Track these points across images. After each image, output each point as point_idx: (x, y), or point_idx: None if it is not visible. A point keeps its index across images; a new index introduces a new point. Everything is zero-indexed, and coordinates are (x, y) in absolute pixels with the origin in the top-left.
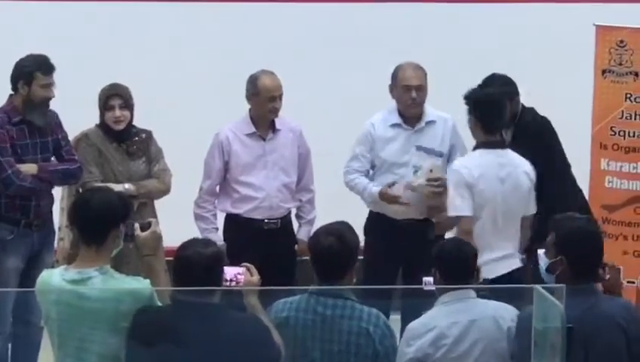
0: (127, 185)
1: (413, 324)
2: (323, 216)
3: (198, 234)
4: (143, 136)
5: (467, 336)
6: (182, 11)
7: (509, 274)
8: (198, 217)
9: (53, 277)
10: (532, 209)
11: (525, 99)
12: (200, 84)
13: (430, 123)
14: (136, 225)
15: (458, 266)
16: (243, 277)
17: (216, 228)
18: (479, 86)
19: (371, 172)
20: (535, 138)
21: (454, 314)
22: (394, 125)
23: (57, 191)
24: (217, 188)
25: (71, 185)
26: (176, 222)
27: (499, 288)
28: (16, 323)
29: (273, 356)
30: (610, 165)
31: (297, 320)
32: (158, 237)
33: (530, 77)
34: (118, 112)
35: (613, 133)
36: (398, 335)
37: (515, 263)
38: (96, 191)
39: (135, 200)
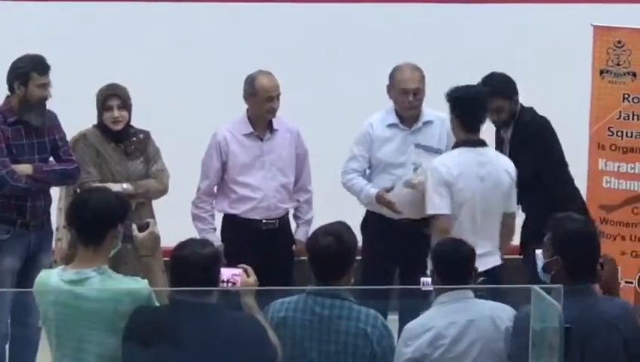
0: (125, 185)
1: (411, 324)
2: (320, 216)
3: (195, 235)
4: (141, 136)
5: (465, 336)
6: (180, 12)
7: (487, 271)
8: (195, 217)
9: (51, 278)
10: (513, 206)
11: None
12: (198, 84)
13: (427, 123)
14: (134, 226)
15: (456, 266)
16: (240, 278)
17: (214, 229)
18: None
19: (368, 171)
20: (534, 137)
21: (452, 315)
22: (391, 125)
23: (55, 192)
24: (215, 188)
25: (69, 185)
26: (174, 222)
27: (497, 288)
28: (13, 324)
29: (270, 356)
30: (607, 165)
31: (295, 321)
32: (156, 238)
33: (528, 77)
34: (116, 113)
35: (610, 134)
36: (395, 335)
37: (495, 261)
38: (94, 192)
39: (133, 200)
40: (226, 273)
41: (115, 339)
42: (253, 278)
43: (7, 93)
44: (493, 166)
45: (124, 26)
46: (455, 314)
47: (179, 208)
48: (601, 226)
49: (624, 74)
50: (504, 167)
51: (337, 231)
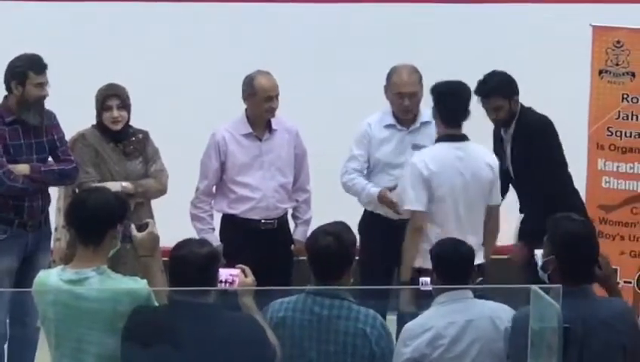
0: (124, 183)
1: (410, 324)
2: (319, 216)
3: (194, 235)
4: (140, 136)
5: (464, 337)
6: (179, 12)
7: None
8: (194, 218)
9: (51, 278)
10: (495, 199)
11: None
12: (197, 84)
13: (425, 123)
14: (133, 226)
15: (456, 266)
16: (237, 278)
17: (213, 229)
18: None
19: (365, 172)
20: (537, 137)
21: (451, 315)
22: (388, 126)
23: (54, 192)
24: (214, 188)
25: (67, 185)
26: (172, 222)
27: (496, 288)
28: (12, 324)
29: (269, 356)
30: (607, 165)
31: (294, 321)
32: (155, 238)
33: (527, 77)
34: (115, 113)
35: (610, 134)
36: (393, 335)
37: (478, 259)
38: (92, 192)
39: (132, 200)
40: (223, 273)
41: (114, 339)
42: (251, 278)
43: (5, 93)
44: (473, 159)
45: (124, 26)
46: (454, 314)
47: (178, 208)
48: (600, 226)
49: (623, 74)
50: (485, 160)
51: (337, 230)
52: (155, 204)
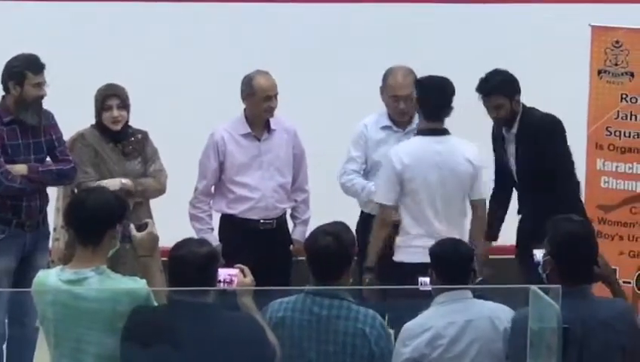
0: (124, 180)
1: (410, 324)
2: (318, 216)
3: (193, 235)
4: (139, 136)
5: (463, 337)
6: (178, 12)
7: None
8: (193, 218)
9: (50, 278)
10: (477, 194)
11: None
12: (196, 84)
13: None
14: (132, 226)
15: (455, 266)
16: (236, 278)
17: (212, 229)
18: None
19: (362, 173)
20: (542, 136)
21: (450, 315)
22: (385, 127)
23: (53, 192)
24: (212, 188)
25: (65, 185)
26: (172, 222)
27: (495, 288)
28: (11, 324)
29: (269, 355)
30: (606, 165)
31: (293, 321)
32: (154, 238)
33: (526, 77)
34: (115, 112)
35: (608, 134)
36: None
37: None
38: (91, 192)
39: (131, 199)
40: (222, 273)
41: (113, 339)
42: (249, 278)
43: (2, 92)
44: (451, 154)
45: (124, 26)
46: (454, 314)
47: (177, 208)
48: (599, 226)
49: (622, 74)
50: (464, 155)
51: (336, 230)
52: (155, 204)
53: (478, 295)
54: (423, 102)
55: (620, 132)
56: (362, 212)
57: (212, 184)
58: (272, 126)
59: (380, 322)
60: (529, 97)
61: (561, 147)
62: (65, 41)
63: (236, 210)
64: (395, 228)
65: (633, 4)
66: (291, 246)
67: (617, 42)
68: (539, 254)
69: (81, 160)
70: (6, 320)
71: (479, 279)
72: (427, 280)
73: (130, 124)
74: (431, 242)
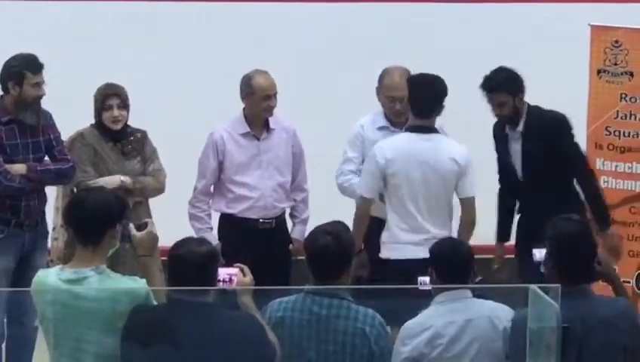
0: (123, 178)
1: (409, 323)
2: (317, 216)
3: (193, 234)
4: (138, 135)
5: (463, 336)
6: (177, 12)
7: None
8: (192, 217)
9: (49, 277)
10: (463, 193)
11: None
12: (195, 83)
13: None
14: (132, 225)
15: (455, 266)
16: (236, 277)
17: (211, 228)
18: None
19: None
20: (549, 134)
21: (450, 314)
22: (381, 128)
23: (52, 191)
24: (212, 188)
25: (64, 184)
26: (171, 222)
27: (495, 287)
28: (10, 324)
29: (269, 354)
30: (605, 165)
31: (293, 320)
32: (154, 238)
33: (526, 76)
34: (116, 112)
35: (608, 133)
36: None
37: None
38: (91, 191)
39: (130, 198)
40: (222, 272)
41: (112, 339)
42: (249, 277)
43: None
44: (435, 152)
45: (124, 25)
46: (453, 314)
47: (176, 208)
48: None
49: (621, 73)
50: (449, 154)
51: (336, 230)
52: (154, 203)
53: (478, 294)
54: (414, 100)
55: (619, 131)
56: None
57: (211, 183)
58: (272, 125)
59: (379, 321)
60: (529, 97)
61: (572, 140)
62: (65, 40)
63: (235, 209)
64: (381, 224)
65: (633, 4)
66: (290, 245)
67: (617, 42)
68: (538, 254)
69: (80, 159)
70: (5, 320)
71: (479, 278)
72: (427, 279)
73: (129, 123)
74: (416, 238)
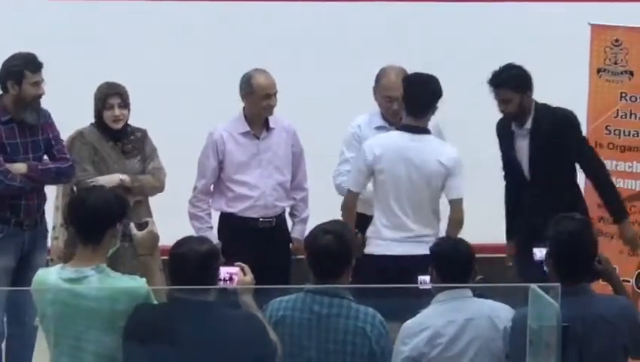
0: (122, 176)
1: (409, 323)
2: (316, 216)
3: (193, 234)
4: (138, 134)
5: (463, 335)
6: (176, 11)
7: (416, 256)
8: (192, 216)
9: (50, 276)
10: (450, 194)
11: None
12: (194, 83)
13: None
14: (132, 225)
15: (456, 266)
16: (237, 276)
17: (211, 227)
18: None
19: None
20: (559, 131)
21: (450, 313)
22: (379, 128)
23: (52, 190)
24: (211, 187)
25: (63, 183)
26: (171, 221)
27: (495, 287)
28: (10, 323)
29: (269, 353)
30: (605, 164)
31: (293, 319)
32: (155, 237)
33: None
34: (117, 111)
35: (608, 132)
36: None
37: (423, 248)
38: (92, 191)
39: (131, 197)
40: (222, 271)
41: (112, 338)
42: (250, 276)
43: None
44: (423, 153)
45: (124, 25)
46: (453, 313)
47: (177, 207)
48: (599, 225)
49: (621, 72)
50: (436, 156)
51: (336, 229)
52: (154, 203)
53: (478, 294)
54: (408, 99)
55: (619, 131)
56: (368, 216)
57: (211, 183)
58: (271, 124)
59: (380, 320)
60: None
61: (582, 135)
62: (65, 39)
63: (235, 208)
64: (366, 220)
65: (633, 3)
66: (290, 244)
67: (617, 41)
68: (539, 253)
69: (80, 158)
70: (5, 319)
71: (479, 278)
72: (427, 278)
73: (129, 122)
74: (397, 235)
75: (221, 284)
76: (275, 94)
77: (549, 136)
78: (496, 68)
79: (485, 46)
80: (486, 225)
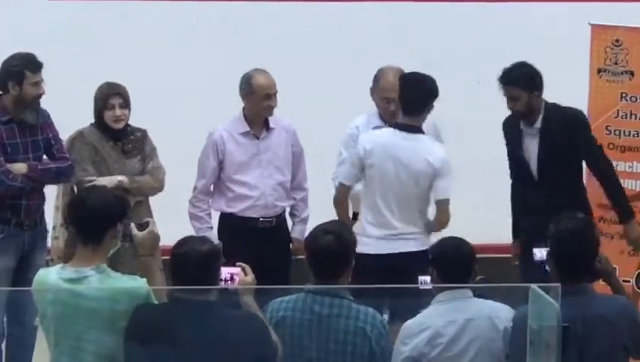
0: (120, 178)
1: (409, 323)
2: (316, 215)
3: (193, 234)
4: (138, 134)
5: (463, 336)
6: (176, 11)
7: (400, 254)
8: (192, 216)
9: (50, 276)
10: (437, 194)
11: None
12: (195, 83)
13: None
14: (133, 225)
15: (456, 266)
16: (237, 276)
17: (211, 227)
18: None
19: None
20: (569, 130)
21: (450, 313)
22: (377, 128)
23: (52, 190)
24: (211, 187)
25: (63, 183)
26: (172, 221)
27: (495, 287)
28: (10, 323)
29: (270, 353)
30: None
31: (294, 320)
32: (156, 237)
33: None
34: (118, 111)
35: (608, 133)
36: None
37: (407, 246)
38: (92, 191)
39: (131, 197)
40: (223, 271)
41: (112, 338)
42: (251, 276)
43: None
44: (412, 152)
45: (124, 25)
46: (453, 313)
47: (177, 207)
48: (600, 225)
49: (622, 73)
50: (425, 156)
51: (337, 229)
52: (154, 203)
53: (479, 294)
54: (404, 98)
55: (619, 131)
56: (354, 213)
57: (211, 183)
58: (271, 124)
59: (380, 320)
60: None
61: (592, 135)
62: (64, 40)
63: (235, 208)
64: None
65: (633, 3)
66: (290, 244)
67: (617, 41)
68: (539, 253)
69: (80, 157)
70: (5, 319)
71: (479, 278)
72: (427, 278)
73: (129, 122)
74: (380, 232)
75: (222, 284)
76: (275, 94)
77: (558, 135)
78: (501, 67)
79: (485, 46)
80: (486, 225)
